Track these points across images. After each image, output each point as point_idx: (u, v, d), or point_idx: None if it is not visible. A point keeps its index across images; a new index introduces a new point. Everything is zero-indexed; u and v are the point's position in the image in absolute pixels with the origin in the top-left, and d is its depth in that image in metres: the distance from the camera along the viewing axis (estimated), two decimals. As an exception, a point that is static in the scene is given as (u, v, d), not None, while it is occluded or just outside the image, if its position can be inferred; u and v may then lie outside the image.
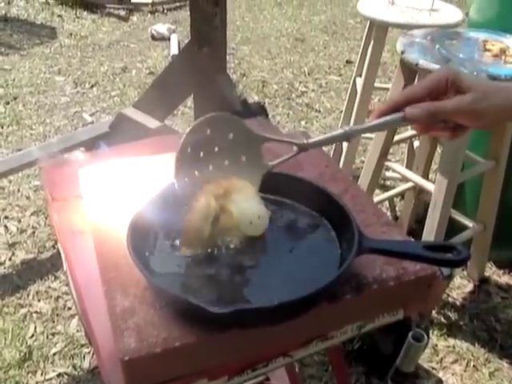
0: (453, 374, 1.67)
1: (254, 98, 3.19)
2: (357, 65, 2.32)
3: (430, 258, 0.66)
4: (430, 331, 1.76)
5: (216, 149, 0.71)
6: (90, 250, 0.75)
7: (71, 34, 4.01)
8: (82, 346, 1.70)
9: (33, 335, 1.75)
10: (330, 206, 0.73)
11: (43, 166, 0.99)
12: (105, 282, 0.68)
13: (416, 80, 2.10)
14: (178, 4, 4.54)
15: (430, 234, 1.70)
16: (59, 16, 4.33)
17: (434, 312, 1.85)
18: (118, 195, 0.83)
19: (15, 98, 3.12)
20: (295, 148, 0.72)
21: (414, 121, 0.70)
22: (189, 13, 1.75)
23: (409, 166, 2.21)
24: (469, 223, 1.89)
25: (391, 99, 0.73)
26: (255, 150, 0.72)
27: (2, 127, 2.84)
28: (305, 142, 0.72)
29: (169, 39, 3.90)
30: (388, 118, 0.71)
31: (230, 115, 0.71)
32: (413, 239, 1.98)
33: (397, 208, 2.33)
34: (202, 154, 0.70)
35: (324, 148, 2.81)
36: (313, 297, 0.61)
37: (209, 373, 0.64)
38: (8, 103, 3.07)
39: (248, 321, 0.60)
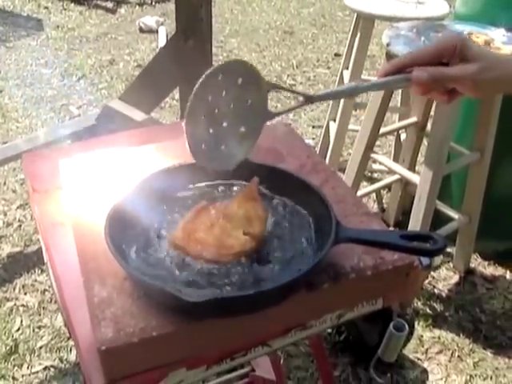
0: (438, 364, 1.69)
1: (242, 90, 3.18)
2: (344, 57, 2.32)
3: (406, 248, 0.66)
4: (416, 322, 1.77)
5: (224, 92, 0.71)
6: (71, 242, 0.75)
7: (58, 26, 3.97)
8: (69, 339, 1.70)
9: (19, 328, 1.75)
10: (308, 195, 0.74)
11: (25, 157, 0.99)
12: (84, 272, 0.68)
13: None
14: (166, -4, 4.52)
15: (415, 225, 1.71)
16: (46, 8, 4.29)
17: (419, 303, 1.86)
18: (99, 186, 0.83)
19: (1, 91, 3.09)
20: (301, 99, 0.73)
21: (418, 84, 0.71)
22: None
23: (396, 159, 2.22)
24: (454, 215, 1.90)
25: (397, 60, 0.73)
26: (261, 96, 0.73)
27: (-12, 120, 2.82)
28: (312, 94, 0.73)
29: (157, 32, 3.88)
30: (392, 77, 0.72)
31: (245, 62, 0.72)
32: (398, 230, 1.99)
33: (384, 200, 2.34)
34: (210, 98, 0.71)
35: (311, 141, 2.79)
36: (289, 285, 0.61)
37: (187, 362, 0.64)
38: (-6, 96, 3.05)
39: (225, 309, 0.60)
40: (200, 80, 0.69)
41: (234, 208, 0.72)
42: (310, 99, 0.73)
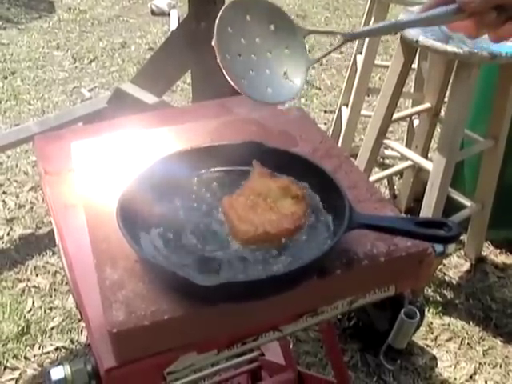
0: (447, 352, 1.69)
1: (254, 75, 3.16)
2: (357, 42, 2.29)
3: (420, 234, 0.65)
4: (426, 309, 1.77)
5: (257, 40, 0.69)
6: (82, 224, 0.75)
7: (70, 9, 3.96)
8: (79, 320, 1.72)
9: (31, 309, 1.77)
10: (322, 180, 0.73)
11: (37, 139, 0.99)
12: (95, 254, 0.68)
13: (416, 57, 2.07)
14: (178, -21, 4.48)
15: (427, 212, 1.70)
16: (58, -10, 4.28)
17: (430, 290, 1.86)
18: (111, 169, 0.83)
19: (13, 73, 3.10)
20: (340, 37, 0.70)
21: (467, 5, 0.64)
22: (187, -13, 1.73)
23: (408, 145, 2.20)
24: (467, 202, 1.88)
25: None
26: (298, 42, 0.71)
27: (0, 102, 2.82)
28: (350, 32, 0.71)
29: (169, 14, 3.85)
30: (438, 10, 0.67)
31: (270, 3, 0.69)
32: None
33: (395, 186, 2.33)
34: (243, 40, 0.69)
35: (323, 126, 2.78)
36: (301, 271, 0.61)
37: (198, 346, 0.64)
38: (6, 78, 3.05)
39: (236, 294, 0.60)
40: (226, 5, 0.67)
41: (259, 186, 0.72)
42: (348, 38, 0.70)
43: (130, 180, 0.72)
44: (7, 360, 1.61)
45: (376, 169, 2.31)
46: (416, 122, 2.22)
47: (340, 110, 2.42)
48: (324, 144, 0.89)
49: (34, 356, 1.63)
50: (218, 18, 0.66)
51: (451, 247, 0.78)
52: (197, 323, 0.63)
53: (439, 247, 0.74)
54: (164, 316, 0.60)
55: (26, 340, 1.67)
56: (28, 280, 1.86)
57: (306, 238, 0.69)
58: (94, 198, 0.77)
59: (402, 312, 0.95)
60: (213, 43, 0.67)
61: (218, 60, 0.66)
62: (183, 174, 0.77)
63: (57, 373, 0.63)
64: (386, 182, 2.32)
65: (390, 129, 2.27)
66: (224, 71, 0.67)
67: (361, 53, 2.17)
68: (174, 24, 3.68)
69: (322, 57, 0.74)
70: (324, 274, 0.66)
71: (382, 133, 1.79)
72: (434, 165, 1.66)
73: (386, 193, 2.31)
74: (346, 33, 0.70)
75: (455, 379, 1.61)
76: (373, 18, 2.06)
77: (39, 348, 1.65)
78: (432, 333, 1.73)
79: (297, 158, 0.77)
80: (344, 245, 0.68)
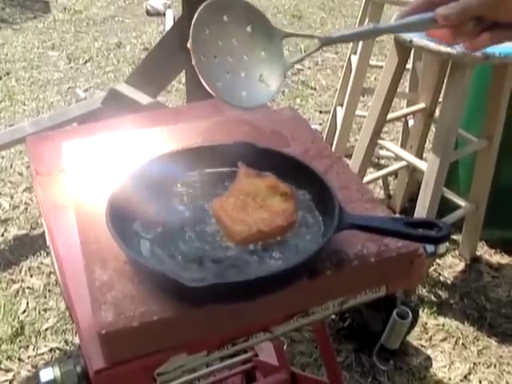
0: (441, 352, 1.69)
1: (249, 75, 3.16)
2: (352, 42, 2.29)
3: (410, 235, 0.65)
4: (420, 309, 1.77)
5: (234, 41, 0.69)
6: (73, 225, 0.74)
7: (65, 9, 3.95)
8: (73, 321, 1.71)
9: (25, 310, 1.76)
10: (312, 181, 0.73)
11: (29, 140, 0.98)
12: (85, 255, 0.68)
13: (411, 57, 2.08)
14: (174, -21, 4.47)
15: (421, 212, 1.70)
16: (53, -10, 4.27)
17: (424, 290, 1.86)
18: (102, 169, 0.82)
19: (8, 73, 3.09)
20: (316, 41, 0.70)
21: (444, 19, 0.65)
22: (181, -13, 1.73)
23: (403, 145, 2.20)
24: (461, 202, 1.89)
25: (415, 1, 0.68)
26: (276, 45, 0.70)
27: (-5, 102, 2.82)
28: (328, 36, 0.70)
29: (164, 15, 3.85)
30: (415, 17, 0.68)
31: (248, 4, 0.69)
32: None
33: (390, 186, 2.33)
34: (219, 42, 0.68)
35: (318, 126, 2.77)
36: (292, 272, 0.61)
37: (188, 347, 0.64)
38: (0, 78, 3.04)
39: (226, 295, 0.60)
40: (202, 6, 0.66)
41: (247, 186, 0.72)
42: (324, 42, 0.70)
43: (120, 181, 0.71)
44: (1, 361, 1.60)
45: (371, 169, 2.31)
46: (411, 122, 2.22)
47: (335, 111, 2.42)
48: (316, 144, 0.89)
49: (28, 357, 1.63)
50: (194, 19, 0.65)
51: (442, 247, 0.78)
52: (186, 324, 0.62)
53: (430, 247, 0.74)
54: (153, 317, 0.60)
55: (20, 341, 1.66)
56: (22, 281, 1.86)
57: (296, 238, 0.69)
58: (85, 198, 0.77)
59: (395, 312, 0.96)
60: (188, 45, 0.66)
61: (193, 63, 0.66)
62: (174, 175, 0.77)
63: (46, 374, 0.63)
64: (380, 182, 2.32)
65: (385, 129, 2.28)
66: (199, 74, 0.66)
67: (355, 53, 2.17)
68: (169, 24, 3.67)
69: (298, 61, 0.73)
70: (314, 274, 0.66)
71: (377, 133, 1.79)
72: (428, 165, 1.66)
73: (380, 193, 2.31)
74: (323, 37, 0.70)
75: (450, 379, 1.62)
76: (367, 19, 2.06)
77: (33, 349, 1.65)
78: (426, 333, 1.73)
79: (288, 159, 0.77)
80: (334, 245, 0.68)
